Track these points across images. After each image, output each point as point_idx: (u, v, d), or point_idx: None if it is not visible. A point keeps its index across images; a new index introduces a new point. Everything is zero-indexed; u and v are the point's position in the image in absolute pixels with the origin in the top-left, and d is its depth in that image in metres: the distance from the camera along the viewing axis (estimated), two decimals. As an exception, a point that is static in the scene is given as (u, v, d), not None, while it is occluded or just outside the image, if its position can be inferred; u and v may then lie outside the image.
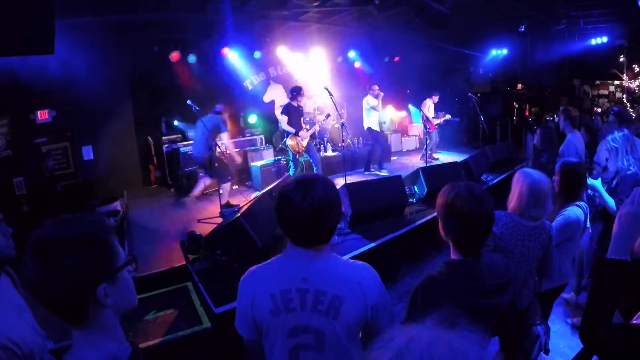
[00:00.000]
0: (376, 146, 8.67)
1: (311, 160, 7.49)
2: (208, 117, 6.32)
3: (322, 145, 9.23)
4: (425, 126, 9.29)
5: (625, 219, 1.40)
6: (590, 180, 3.36)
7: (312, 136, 7.54)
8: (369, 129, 8.52)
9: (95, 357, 1.02)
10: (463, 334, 0.67)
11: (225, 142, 6.49)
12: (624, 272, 1.35)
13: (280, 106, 9.66)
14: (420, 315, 0.74)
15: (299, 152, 7.26)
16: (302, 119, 7.38)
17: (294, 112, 7.23)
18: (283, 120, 7.21)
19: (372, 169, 8.68)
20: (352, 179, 7.00)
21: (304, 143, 7.24)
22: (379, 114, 8.58)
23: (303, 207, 1.41)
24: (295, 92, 7.21)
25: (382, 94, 8.37)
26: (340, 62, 10.38)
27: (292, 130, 7.16)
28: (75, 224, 1.03)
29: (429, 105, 9.32)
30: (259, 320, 1.52)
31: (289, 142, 7.21)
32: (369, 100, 8.36)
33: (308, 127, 7.38)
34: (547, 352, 2.45)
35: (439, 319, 0.70)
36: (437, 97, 9.46)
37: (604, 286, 1.37)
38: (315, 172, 7.32)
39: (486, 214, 1.63)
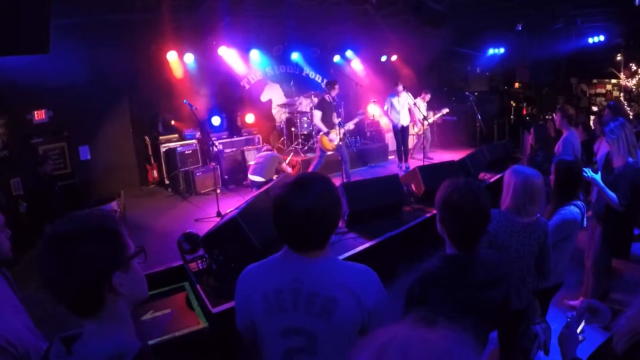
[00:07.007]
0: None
1: (340, 157, 7.20)
2: None
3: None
4: (419, 124, 9.23)
5: None
6: (589, 173, 3.25)
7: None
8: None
9: (104, 348, 1.03)
10: (443, 333, 0.63)
11: None
12: None
13: (279, 105, 9.68)
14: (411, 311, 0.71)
15: (329, 150, 7.11)
16: (334, 114, 7.11)
17: (327, 108, 7.00)
18: (317, 115, 6.98)
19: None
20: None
21: (336, 141, 7.01)
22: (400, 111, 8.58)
23: (299, 212, 1.35)
24: (330, 84, 6.96)
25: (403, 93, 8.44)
26: (337, 61, 10.36)
27: (325, 129, 6.97)
28: (85, 218, 1.09)
29: (419, 104, 9.07)
30: (254, 319, 1.50)
31: (322, 139, 7.03)
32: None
33: (340, 125, 7.02)
34: (547, 352, 2.43)
35: (416, 317, 0.67)
36: (429, 95, 9.36)
37: None
38: (343, 169, 7.07)
39: (482, 208, 1.64)
